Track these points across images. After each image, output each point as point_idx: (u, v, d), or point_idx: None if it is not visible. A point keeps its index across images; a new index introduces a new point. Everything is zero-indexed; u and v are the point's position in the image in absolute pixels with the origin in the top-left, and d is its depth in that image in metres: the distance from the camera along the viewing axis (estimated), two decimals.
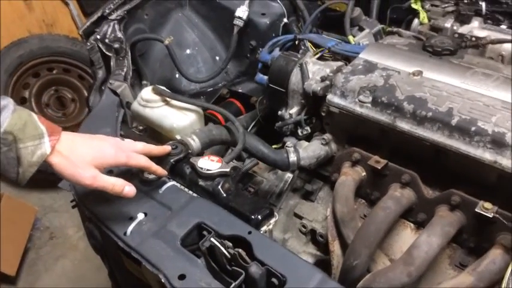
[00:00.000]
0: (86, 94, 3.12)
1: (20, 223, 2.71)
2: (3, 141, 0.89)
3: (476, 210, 1.05)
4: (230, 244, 0.93)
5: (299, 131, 1.37)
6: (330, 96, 1.26)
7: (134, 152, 1.06)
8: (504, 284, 0.88)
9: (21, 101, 2.91)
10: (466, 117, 1.06)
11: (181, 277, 0.91)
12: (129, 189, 1.01)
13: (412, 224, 1.22)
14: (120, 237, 1.02)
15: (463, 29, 1.50)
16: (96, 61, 1.65)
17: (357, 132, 1.27)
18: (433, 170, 1.16)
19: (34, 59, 2.95)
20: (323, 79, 1.28)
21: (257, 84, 1.50)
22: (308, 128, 1.37)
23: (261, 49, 1.75)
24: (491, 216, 1.03)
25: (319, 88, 1.26)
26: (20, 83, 2.91)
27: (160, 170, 1.09)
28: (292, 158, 1.30)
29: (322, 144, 1.33)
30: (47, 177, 2.91)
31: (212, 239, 0.91)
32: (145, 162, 1.07)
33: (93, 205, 1.10)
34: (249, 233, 0.95)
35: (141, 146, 1.09)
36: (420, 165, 1.17)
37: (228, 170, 1.08)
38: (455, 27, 1.52)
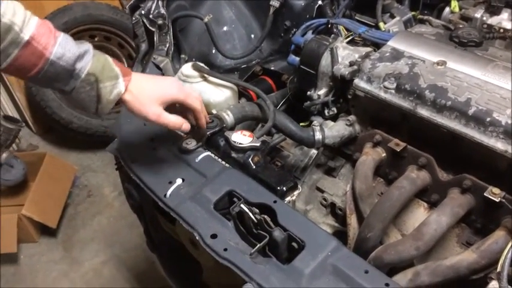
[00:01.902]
0: (125, 62, 3.26)
1: (60, 180, 2.91)
2: (86, 81, 1.02)
3: (485, 194, 1.13)
4: (257, 210, 1.05)
5: (326, 111, 1.46)
6: (356, 81, 1.34)
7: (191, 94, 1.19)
8: (501, 261, 0.98)
9: None
10: (482, 108, 1.13)
11: (213, 236, 1.04)
12: (186, 125, 1.16)
13: (425, 204, 1.32)
14: (161, 199, 1.15)
15: (492, 20, 1.54)
16: (140, 35, 1.76)
17: (380, 115, 1.36)
18: (448, 155, 1.24)
19: (78, 26, 3.08)
20: (351, 64, 1.36)
21: (289, 64, 1.59)
22: (334, 109, 1.46)
23: (294, 29, 1.84)
24: (498, 201, 1.11)
25: (347, 72, 1.35)
26: None
27: (204, 120, 1.22)
28: (318, 136, 1.40)
29: (346, 124, 1.42)
30: (85, 139, 3.09)
31: (242, 205, 1.03)
32: (199, 105, 1.19)
33: (137, 168, 1.23)
34: (274, 202, 1.07)
35: (197, 94, 1.23)
36: (436, 150, 1.26)
37: (258, 144, 1.20)
38: (484, 18, 1.56)
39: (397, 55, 1.32)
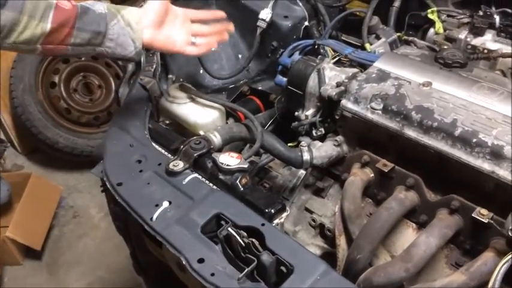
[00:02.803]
0: (112, 81, 3.25)
1: (46, 201, 2.87)
2: (111, 16, 1.17)
3: (473, 215, 1.13)
4: (245, 234, 1.03)
5: (313, 132, 1.46)
6: (344, 102, 1.35)
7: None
8: (491, 283, 0.97)
9: (51, 86, 3.05)
10: (468, 129, 1.14)
11: (200, 260, 1.02)
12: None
13: (414, 224, 1.31)
14: (147, 222, 1.13)
15: (476, 41, 1.56)
16: None
17: (368, 136, 1.36)
18: (436, 176, 1.24)
19: None
20: (338, 85, 1.37)
21: (276, 85, 1.59)
22: (322, 129, 1.46)
23: (282, 50, 1.85)
24: (486, 222, 1.11)
25: (334, 93, 1.35)
26: (50, 68, 3.05)
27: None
28: (306, 156, 1.39)
29: (334, 145, 1.42)
30: (71, 159, 3.06)
31: (229, 229, 1.02)
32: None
33: (123, 191, 1.21)
34: (263, 224, 1.06)
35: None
36: (424, 170, 1.26)
37: (246, 166, 1.19)
38: (468, 39, 1.58)
39: (383, 76, 1.33)
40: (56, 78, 3.07)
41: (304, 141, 1.46)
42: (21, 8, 1.05)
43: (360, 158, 1.36)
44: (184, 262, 1.03)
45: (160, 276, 1.64)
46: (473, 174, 1.15)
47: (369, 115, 1.29)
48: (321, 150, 1.41)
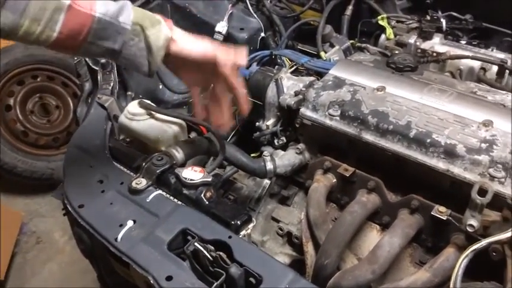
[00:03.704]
0: (70, 101, 3.18)
1: (6, 228, 2.76)
2: (133, 33, 1.03)
3: (432, 213, 1.17)
4: (212, 248, 1.03)
5: (275, 141, 1.48)
6: (302, 110, 1.37)
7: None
8: (453, 278, 1.00)
9: (7, 109, 2.96)
10: (422, 130, 1.19)
11: (169, 278, 1.01)
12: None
13: (378, 226, 1.34)
14: (112, 243, 1.11)
15: (425, 45, 1.63)
16: (83, 74, 1.74)
17: (328, 142, 1.39)
18: (396, 177, 1.28)
19: (19, 67, 3.00)
20: (296, 93, 1.40)
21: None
22: (284, 138, 1.48)
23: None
24: (445, 219, 1.15)
25: (293, 102, 1.37)
26: (4, 91, 2.97)
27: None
28: (269, 166, 1.40)
29: (296, 153, 1.44)
30: (31, 183, 2.97)
31: (196, 244, 1.01)
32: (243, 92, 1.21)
33: (85, 213, 1.19)
34: (229, 237, 1.06)
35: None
36: (384, 173, 1.29)
37: (209, 179, 1.19)
38: (418, 43, 1.65)
39: (339, 83, 1.37)
40: (11, 101, 2.98)
41: (267, 151, 1.48)
42: (24, 9, 0.90)
43: (321, 165, 1.38)
44: (152, 281, 1.02)
45: None
46: (430, 174, 1.19)
47: (328, 122, 1.32)
48: (284, 159, 1.43)
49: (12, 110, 2.98)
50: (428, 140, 1.17)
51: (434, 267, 1.15)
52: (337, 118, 1.30)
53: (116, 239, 1.11)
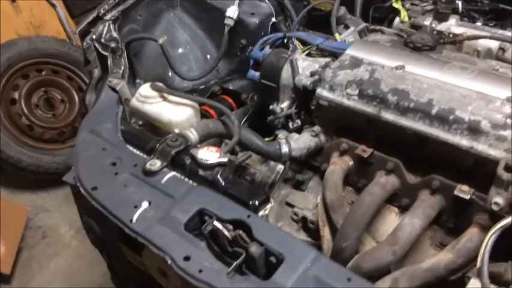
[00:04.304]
0: (75, 94, 3.15)
1: (12, 223, 2.73)
2: None
3: (454, 193, 1.14)
4: (231, 227, 1.00)
5: (290, 124, 1.45)
6: (319, 90, 1.34)
7: None
8: (480, 256, 0.97)
9: (11, 103, 2.93)
10: (444, 107, 1.15)
11: (186, 258, 0.97)
12: None
13: (396, 209, 1.31)
14: (127, 224, 1.07)
15: (441, 27, 1.59)
16: (92, 60, 1.70)
17: (345, 123, 1.35)
18: (415, 157, 1.25)
19: (23, 61, 2.97)
20: (312, 74, 1.36)
21: (249, 80, 1.57)
22: (298, 121, 1.45)
23: (251, 47, 1.84)
24: (468, 198, 1.12)
25: (309, 82, 1.34)
26: (9, 84, 2.93)
27: None
28: (284, 149, 1.37)
29: (312, 135, 1.40)
30: (36, 177, 2.93)
31: (215, 223, 0.98)
32: None
33: (99, 195, 1.16)
34: (248, 216, 1.02)
35: None
36: (403, 153, 1.26)
37: (226, 160, 1.15)
38: (433, 25, 1.61)
39: (356, 62, 1.33)
40: (16, 95, 2.95)
41: (281, 134, 1.44)
42: None
43: (338, 147, 1.35)
44: (169, 262, 0.98)
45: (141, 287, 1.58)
46: (452, 152, 1.16)
47: (345, 101, 1.29)
48: (299, 141, 1.40)
49: (17, 104, 2.95)
50: (451, 117, 1.13)
51: (457, 248, 1.11)
52: (355, 97, 1.27)
53: (131, 221, 1.08)
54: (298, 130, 1.46)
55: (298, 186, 1.49)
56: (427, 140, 1.18)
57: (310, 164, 1.48)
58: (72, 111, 3.13)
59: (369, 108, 1.25)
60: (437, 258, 1.13)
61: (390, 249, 1.13)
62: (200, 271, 0.95)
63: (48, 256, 2.72)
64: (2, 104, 2.88)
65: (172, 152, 1.19)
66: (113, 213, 1.11)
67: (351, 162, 1.34)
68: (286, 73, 1.42)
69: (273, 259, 0.96)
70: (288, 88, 1.43)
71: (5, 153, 2.81)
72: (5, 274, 2.52)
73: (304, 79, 1.35)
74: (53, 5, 3.37)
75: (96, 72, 1.74)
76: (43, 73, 3.07)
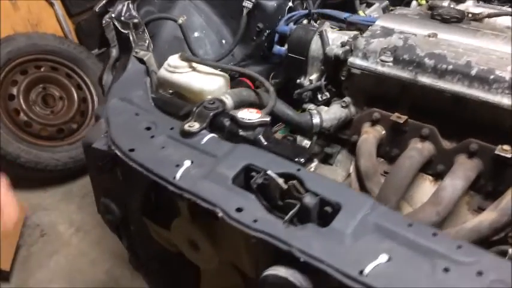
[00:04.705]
0: (74, 92, 3.10)
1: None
2: None
3: (495, 152, 1.14)
4: (282, 180, 0.98)
5: (319, 96, 1.44)
6: (351, 59, 1.34)
7: None
8: None
9: (10, 98, 2.86)
10: (484, 67, 1.16)
11: (239, 210, 0.95)
12: None
13: (430, 177, 1.31)
14: (170, 181, 1.04)
15: (460, 7, 1.62)
16: (111, 39, 1.68)
17: (377, 92, 1.35)
18: (451, 123, 1.25)
19: (22, 56, 2.91)
20: (343, 44, 1.37)
21: (274, 55, 1.56)
22: (327, 94, 1.44)
23: (267, 31, 1.84)
24: (510, 157, 1.12)
25: (340, 52, 1.34)
26: (7, 80, 2.87)
27: None
28: (316, 120, 1.37)
29: (342, 106, 1.40)
30: (34, 175, 2.85)
31: (268, 172, 0.96)
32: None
33: (137, 156, 1.12)
34: (298, 170, 1.00)
35: None
36: (438, 120, 1.26)
37: (268, 119, 1.14)
38: (452, 6, 1.64)
39: (388, 32, 1.34)
40: (14, 90, 2.88)
41: (311, 106, 1.43)
42: None
43: (369, 117, 1.34)
44: (220, 214, 0.95)
45: (165, 267, 1.53)
46: (491, 113, 1.17)
47: (380, 68, 1.29)
48: (330, 112, 1.40)
49: (15, 100, 2.88)
50: (492, 77, 1.14)
51: (500, 207, 1.11)
52: (390, 64, 1.27)
53: (174, 178, 1.05)
54: (327, 103, 1.46)
55: (326, 160, 1.48)
56: (466, 102, 1.19)
57: (338, 138, 1.48)
58: (71, 108, 3.07)
59: (405, 74, 1.25)
60: (480, 218, 1.12)
61: (434, 210, 1.12)
62: (255, 221, 0.92)
63: (47, 254, 2.63)
64: (1, 100, 2.81)
65: (211, 114, 1.17)
66: (155, 171, 1.07)
67: (383, 132, 1.34)
68: (315, 45, 1.42)
69: (328, 209, 0.94)
70: (317, 60, 1.43)
71: (3, 150, 2.72)
72: (4, 270, 2.42)
73: (335, 49, 1.36)
74: (51, 4, 3.33)
75: (114, 52, 1.71)
76: (42, 69, 3.01)
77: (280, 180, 0.95)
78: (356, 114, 1.42)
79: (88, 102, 3.15)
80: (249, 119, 1.13)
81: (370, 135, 1.32)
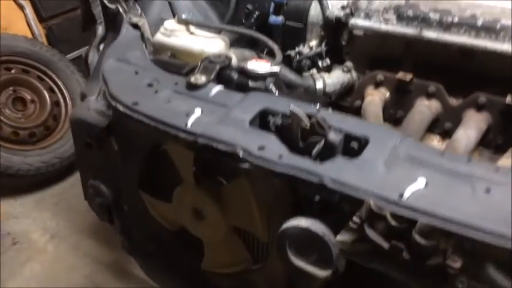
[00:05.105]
0: (47, 95, 2.97)
1: None
2: None
3: (507, 101, 1.14)
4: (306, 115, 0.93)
5: (319, 63, 1.41)
6: (353, 21, 1.32)
7: None
8: None
9: None
10: (489, 18, 1.17)
11: (261, 148, 0.89)
12: None
13: (437, 136, 1.29)
14: (182, 129, 0.98)
15: None
16: (97, 15, 1.62)
17: (380, 54, 1.34)
18: (457, 79, 1.24)
19: None
20: (343, 7, 1.35)
21: (270, 26, 1.53)
22: (328, 60, 1.42)
23: (256, 12, 1.81)
24: None
25: (342, 14, 1.33)
26: None
27: None
28: (319, 84, 1.34)
29: (344, 71, 1.38)
30: (5, 181, 2.67)
31: (291, 107, 0.91)
32: None
33: (142, 108, 1.05)
34: (318, 110, 0.96)
35: None
36: (444, 76, 1.26)
37: (278, 69, 1.10)
38: None
39: None
40: None
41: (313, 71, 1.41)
42: None
43: (373, 79, 1.33)
44: (241, 154, 0.89)
45: (160, 249, 1.44)
46: (499, 62, 1.16)
47: (383, 26, 1.28)
48: (332, 77, 1.37)
49: None
50: (498, 26, 1.15)
51: None
52: (394, 21, 1.26)
53: (185, 125, 0.98)
54: (328, 70, 1.43)
55: None
56: (473, 54, 1.19)
57: (339, 106, 1.45)
58: (43, 112, 2.93)
59: (410, 30, 1.25)
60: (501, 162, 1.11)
61: None
62: (280, 156, 0.87)
63: (20, 262, 2.45)
64: None
65: (217, 67, 1.12)
66: (164, 120, 1.00)
67: (388, 94, 1.32)
68: (314, 10, 1.41)
69: (354, 145, 0.90)
70: (316, 26, 1.41)
71: None
72: None
73: (336, 11, 1.34)
74: (21, 6, 3.22)
75: (100, 30, 1.65)
76: (12, 71, 2.88)
77: (304, 115, 0.90)
78: (358, 79, 1.40)
79: (61, 106, 3.03)
80: (258, 70, 1.09)
81: (375, 97, 1.30)
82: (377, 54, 1.34)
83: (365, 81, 1.35)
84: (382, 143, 0.87)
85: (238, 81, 1.11)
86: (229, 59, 1.16)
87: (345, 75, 1.38)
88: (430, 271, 1.17)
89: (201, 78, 1.10)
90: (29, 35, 3.26)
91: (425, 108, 1.22)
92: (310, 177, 0.83)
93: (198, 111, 1.01)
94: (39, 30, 3.32)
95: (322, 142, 0.89)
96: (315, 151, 0.87)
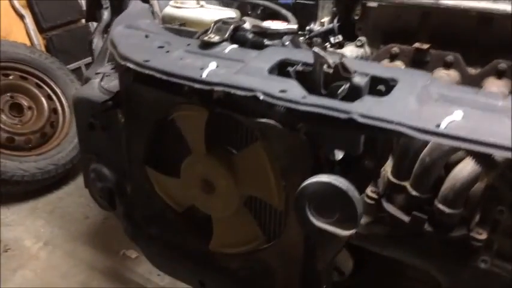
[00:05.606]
0: (45, 102, 2.92)
1: None
2: None
3: None
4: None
5: (331, 39, 1.38)
6: None
7: None
8: None
9: None
10: None
11: (283, 91, 0.84)
12: None
13: None
14: (197, 79, 0.92)
15: None
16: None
17: (394, 27, 1.31)
18: (475, 47, 1.22)
19: None
20: None
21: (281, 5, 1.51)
22: (340, 36, 1.39)
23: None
24: None
25: None
26: None
27: None
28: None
29: (357, 45, 1.35)
30: None
31: (315, 49, 0.86)
32: None
33: (153, 64, 1.00)
34: (341, 57, 0.92)
35: None
36: (461, 46, 1.23)
37: (295, 27, 1.06)
38: None
39: None
40: None
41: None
42: None
43: (388, 53, 1.29)
44: (262, 97, 0.84)
45: (166, 232, 1.36)
46: None
47: None
48: (346, 51, 1.34)
49: None
50: None
51: None
52: None
53: (201, 76, 0.93)
54: (340, 47, 1.40)
55: None
56: (492, 19, 1.16)
57: None
58: (41, 118, 2.88)
59: None
60: None
61: None
62: (304, 97, 0.82)
63: (12, 269, 2.34)
64: None
65: (232, 27, 1.08)
66: (177, 73, 0.95)
67: (403, 67, 1.28)
68: None
69: (381, 88, 0.86)
70: (328, 2, 1.40)
71: None
72: None
73: None
74: (22, 16, 3.21)
75: (106, 14, 1.62)
76: (10, 77, 2.85)
77: (328, 57, 0.85)
78: (371, 55, 1.36)
79: (59, 114, 2.98)
80: (275, 28, 1.05)
81: None
82: (391, 27, 1.32)
83: (380, 55, 1.31)
84: (412, 83, 0.83)
85: (252, 41, 1.07)
86: (243, 21, 1.12)
87: (358, 49, 1.34)
88: (452, 248, 1.11)
89: (216, 37, 1.05)
90: (29, 45, 3.25)
91: (444, 77, 1.18)
92: (340, 114, 0.77)
93: (213, 64, 0.97)
94: (38, 40, 3.32)
95: (347, 85, 0.84)
96: (341, 89, 0.83)
